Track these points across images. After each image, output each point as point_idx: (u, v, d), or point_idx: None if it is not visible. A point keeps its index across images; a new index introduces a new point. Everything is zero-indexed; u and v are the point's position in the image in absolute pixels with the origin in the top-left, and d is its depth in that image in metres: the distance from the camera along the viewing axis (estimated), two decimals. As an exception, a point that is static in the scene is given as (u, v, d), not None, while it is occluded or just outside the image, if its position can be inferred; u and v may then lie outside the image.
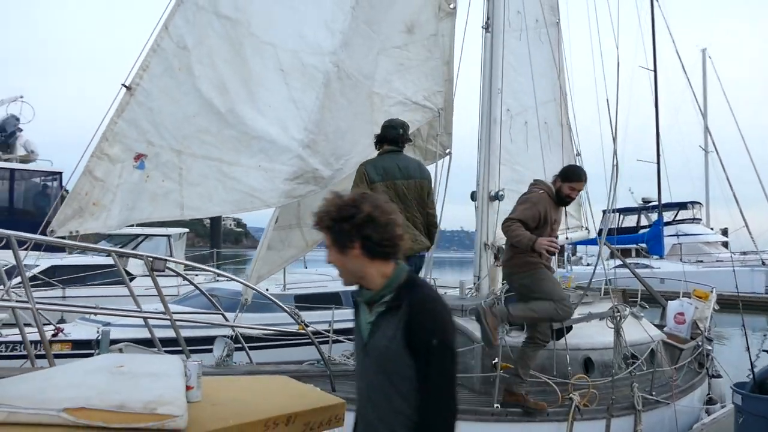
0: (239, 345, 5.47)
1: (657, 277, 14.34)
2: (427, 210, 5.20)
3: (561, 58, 8.70)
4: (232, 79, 4.80)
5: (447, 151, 7.07)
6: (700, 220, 30.32)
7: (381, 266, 2.20)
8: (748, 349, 6.60)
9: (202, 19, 4.63)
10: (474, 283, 6.74)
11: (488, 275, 6.53)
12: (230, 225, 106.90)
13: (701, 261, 26.08)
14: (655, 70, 24.33)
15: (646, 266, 22.25)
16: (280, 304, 4.77)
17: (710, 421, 6.32)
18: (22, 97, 17.08)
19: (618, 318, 5.44)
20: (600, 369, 5.64)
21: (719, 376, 7.73)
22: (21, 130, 16.82)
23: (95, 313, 6.42)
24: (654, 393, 5.72)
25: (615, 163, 5.82)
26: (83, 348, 6.39)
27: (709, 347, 7.76)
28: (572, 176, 5.16)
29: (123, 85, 4.33)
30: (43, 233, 4.14)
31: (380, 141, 5.21)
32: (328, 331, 5.99)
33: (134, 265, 10.10)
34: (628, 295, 8.46)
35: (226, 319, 5.74)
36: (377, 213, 2.15)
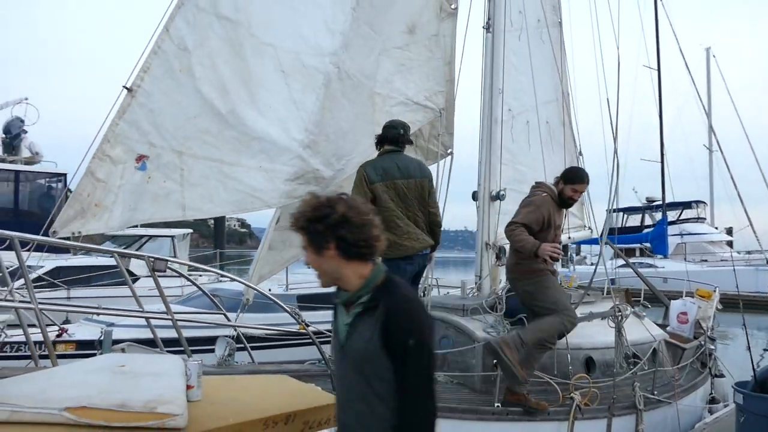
0: (241, 345, 5.50)
1: (660, 277, 14.30)
2: (428, 209, 5.21)
3: (563, 58, 8.71)
4: (233, 80, 4.82)
5: (449, 151, 7.08)
6: (705, 219, 30.25)
7: (358, 267, 2.18)
8: (749, 348, 6.60)
9: (202, 21, 4.65)
10: (475, 283, 6.75)
11: (490, 275, 6.55)
12: (234, 225, 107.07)
13: (705, 260, 26.03)
14: (658, 69, 24.22)
15: (650, 265, 22.16)
16: (281, 303, 4.80)
17: (712, 421, 6.32)
18: (26, 99, 17.21)
19: (619, 317, 5.44)
20: (601, 368, 5.64)
21: (722, 376, 7.72)
22: (26, 132, 16.94)
23: (98, 313, 6.45)
24: (656, 392, 5.73)
25: (616, 162, 5.82)
26: (87, 348, 6.41)
27: (712, 347, 7.75)
28: (574, 178, 5.14)
29: (124, 86, 4.36)
30: (46, 234, 4.17)
31: (381, 141, 5.22)
32: (329, 331, 5.99)
33: (138, 266, 10.14)
34: (631, 295, 8.46)
35: (228, 319, 5.77)
36: (352, 213, 2.14)
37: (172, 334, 4.80)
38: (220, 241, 31.43)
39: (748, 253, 27.16)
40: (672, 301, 8.55)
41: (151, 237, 14.66)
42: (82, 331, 7.45)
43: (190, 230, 17.13)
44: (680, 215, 29.57)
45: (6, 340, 5.60)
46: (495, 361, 4.89)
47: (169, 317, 4.43)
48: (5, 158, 16.48)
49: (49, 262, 11.96)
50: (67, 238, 4.40)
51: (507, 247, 6.60)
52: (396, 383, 2.07)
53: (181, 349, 4.49)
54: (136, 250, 13.14)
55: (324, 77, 5.17)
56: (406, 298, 2.17)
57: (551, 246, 4.73)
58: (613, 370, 5.41)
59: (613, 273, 10.27)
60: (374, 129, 5.62)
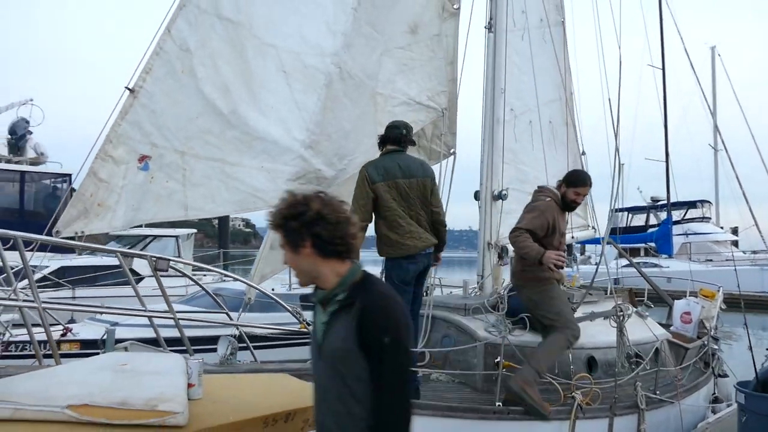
0: (244, 344, 5.52)
1: (664, 276, 14.28)
2: (431, 208, 5.21)
3: (566, 57, 8.70)
4: (235, 81, 4.85)
5: (451, 151, 7.08)
6: (710, 218, 30.15)
7: (335, 265, 2.17)
8: (750, 347, 6.59)
9: (204, 22, 4.68)
10: (477, 282, 6.76)
11: (492, 274, 6.56)
12: (239, 225, 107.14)
13: (710, 260, 25.94)
14: (663, 69, 24.23)
15: (655, 265, 22.17)
16: (283, 303, 4.82)
17: (715, 420, 6.32)
18: (31, 100, 17.26)
19: (621, 317, 5.44)
20: (603, 368, 5.64)
21: (725, 376, 7.70)
22: (31, 133, 16.99)
23: (101, 312, 6.48)
24: (658, 392, 5.72)
25: (617, 161, 5.81)
26: (91, 347, 6.45)
27: (715, 346, 7.73)
28: (577, 181, 5.10)
29: (126, 87, 4.39)
30: (49, 234, 4.20)
31: (383, 141, 5.23)
32: None
33: (143, 266, 10.17)
34: (635, 295, 8.46)
35: (231, 318, 5.79)
36: (327, 211, 2.13)
37: (175, 333, 4.84)
38: (224, 240, 31.49)
39: (754, 252, 27.09)
40: (675, 300, 8.53)
41: (155, 237, 14.70)
42: (86, 330, 7.49)
43: (195, 230, 17.18)
44: (685, 215, 29.48)
45: (11, 339, 5.64)
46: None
47: (171, 316, 4.45)
48: (11, 159, 16.54)
49: (54, 262, 12.01)
50: (71, 238, 4.44)
51: (509, 247, 6.62)
52: (372, 382, 2.05)
53: (184, 348, 4.52)
54: (141, 249, 13.18)
55: (325, 77, 5.19)
56: (382, 295, 2.15)
57: (555, 254, 4.69)
58: (615, 369, 5.40)
59: (617, 273, 10.28)
60: (376, 129, 5.63)
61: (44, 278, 11.00)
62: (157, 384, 2.51)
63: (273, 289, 6.59)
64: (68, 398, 2.32)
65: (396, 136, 5.15)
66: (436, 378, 5.52)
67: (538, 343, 5.15)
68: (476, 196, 6.80)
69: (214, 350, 4.83)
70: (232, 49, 4.89)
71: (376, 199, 4.95)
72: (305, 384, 3.04)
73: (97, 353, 4.27)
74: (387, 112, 6.01)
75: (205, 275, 11.93)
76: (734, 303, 10.33)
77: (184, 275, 6.11)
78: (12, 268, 4.09)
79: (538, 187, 5.37)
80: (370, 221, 5.02)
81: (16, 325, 5.99)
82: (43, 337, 4.10)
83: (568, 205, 5.11)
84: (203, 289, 5.68)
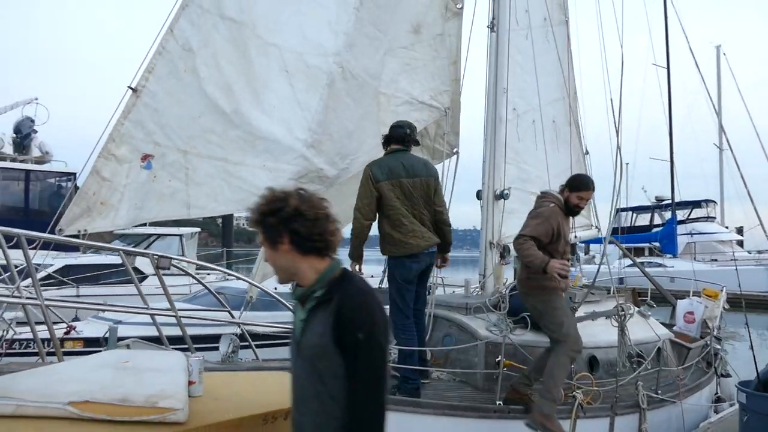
0: (246, 342, 5.55)
1: (667, 276, 14.23)
2: (435, 207, 5.22)
3: (569, 57, 8.69)
4: (237, 80, 4.88)
5: (454, 150, 7.10)
6: (715, 218, 30.03)
7: (314, 262, 2.15)
8: (752, 347, 6.58)
9: (206, 22, 4.71)
10: (479, 282, 6.76)
11: (493, 273, 6.56)
12: (243, 224, 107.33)
13: (715, 260, 25.87)
14: (668, 68, 24.10)
15: (659, 265, 22.09)
16: (284, 301, 4.84)
17: (717, 420, 6.31)
18: (36, 99, 17.35)
19: (622, 316, 5.44)
20: (605, 367, 5.64)
21: (728, 376, 7.69)
22: (36, 132, 17.07)
23: (103, 310, 6.50)
24: (660, 392, 5.72)
25: (619, 160, 5.80)
26: (94, 345, 6.49)
27: (718, 346, 7.72)
28: (580, 185, 5.03)
29: (129, 87, 4.42)
30: (53, 232, 4.23)
31: (387, 141, 5.24)
32: None
33: (147, 265, 10.20)
34: (638, 294, 8.45)
35: (233, 317, 5.81)
36: (305, 207, 2.11)
37: (178, 331, 4.86)
38: (228, 239, 31.54)
39: (759, 252, 27.00)
40: (679, 300, 8.51)
41: (159, 236, 14.74)
42: (90, 328, 7.52)
43: (199, 229, 17.22)
44: (690, 214, 29.37)
45: (14, 337, 5.67)
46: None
47: (173, 314, 4.48)
48: (16, 158, 16.62)
49: (59, 260, 12.06)
50: (75, 236, 4.47)
51: (511, 246, 6.63)
52: (347, 379, 2.03)
53: (186, 346, 4.54)
54: (145, 248, 13.22)
55: (327, 77, 5.21)
56: (360, 291, 2.12)
57: (560, 263, 4.63)
58: (616, 369, 5.41)
59: (621, 272, 10.27)
60: (379, 128, 5.65)
61: (48, 276, 11.04)
62: (158, 381, 2.53)
63: (275, 288, 6.60)
64: (70, 395, 2.34)
65: (400, 136, 5.16)
66: (437, 377, 5.54)
67: (538, 341, 5.15)
68: (478, 195, 6.81)
69: (217, 348, 4.86)
70: (234, 49, 4.92)
71: (380, 198, 4.96)
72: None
73: (100, 351, 4.31)
74: (390, 111, 6.02)
75: (209, 274, 11.96)
76: (738, 303, 10.29)
77: (188, 274, 6.13)
78: (16, 267, 4.12)
79: (541, 192, 5.28)
80: (374, 220, 5.03)
81: (20, 323, 6.02)
82: (46, 335, 4.14)
83: (571, 210, 5.03)
84: (205, 287, 5.71)
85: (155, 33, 4.52)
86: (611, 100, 6.16)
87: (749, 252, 28.38)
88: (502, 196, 6.61)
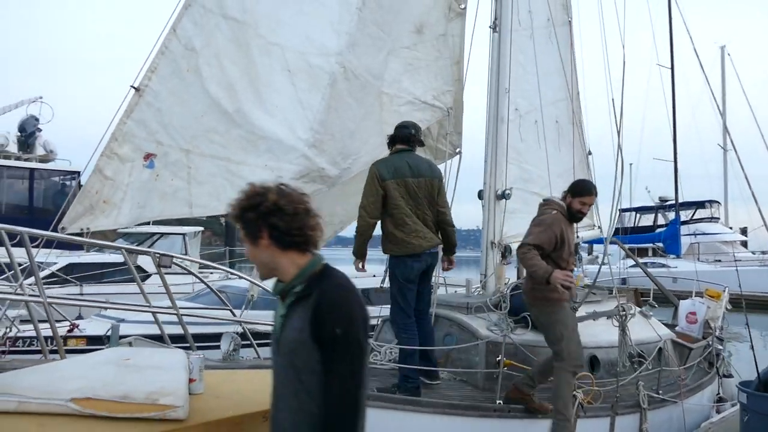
0: (247, 341, 5.57)
1: (670, 277, 14.22)
2: (438, 208, 5.24)
3: (573, 57, 8.69)
4: (240, 80, 4.90)
5: (457, 150, 7.11)
6: (719, 219, 29.97)
7: (295, 257, 2.12)
8: (752, 347, 6.58)
9: (209, 22, 4.73)
10: (480, 281, 6.78)
11: (495, 273, 6.57)
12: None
13: (719, 260, 25.82)
14: (672, 68, 24.11)
15: (663, 265, 22.06)
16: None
17: (718, 420, 6.31)
18: (41, 97, 17.41)
19: (623, 316, 5.45)
20: (606, 367, 5.65)
21: (730, 376, 7.69)
22: (40, 131, 17.14)
23: (105, 308, 6.53)
24: (661, 392, 5.73)
25: (620, 160, 5.80)
26: (97, 343, 6.51)
27: (720, 347, 7.71)
28: (582, 191, 4.98)
29: (132, 86, 4.45)
30: (55, 230, 4.26)
31: (392, 141, 5.27)
32: None
33: (150, 263, 10.23)
34: (641, 295, 8.45)
35: (234, 315, 5.84)
36: (283, 202, 2.09)
37: (180, 330, 4.89)
38: (231, 238, 31.57)
39: (763, 253, 26.95)
40: (681, 301, 8.51)
41: (162, 234, 14.77)
42: (93, 326, 7.55)
43: (202, 228, 17.26)
44: (693, 215, 29.31)
45: (18, 334, 5.71)
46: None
47: (175, 312, 4.50)
48: (20, 156, 16.70)
49: (63, 258, 12.11)
50: (78, 235, 4.50)
51: (513, 246, 6.64)
52: (324, 375, 2.00)
53: (188, 344, 4.57)
54: (148, 247, 13.26)
55: (329, 77, 5.23)
56: (339, 287, 2.09)
57: (563, 274, 4.58)
58: (617, 369, 5.42)
59: (624, 273, 10.25)
60: (382, 128, 5.66)
61: (52, 274, 11.08)
62: (159, 378, 2.55)
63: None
64: (71, 392, 2.36)
65: (405, 136, 5.18)
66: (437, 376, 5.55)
67: (538, 341, 5.15)
68: (480, 195, 6.82)
69: (219, 347, 4.89)
70: (237, 49, 4.94)
71: (384, 196, 4.98)
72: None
73: (102, 349, 4.34)
74: (392, 111, 6.04)
75: (212, 273, 12.00)
76: (740, 303, 10.28)
77: (190, 273, 6.16)
78: (20, 265, 4.15)
79: (544, 200, 5.23)
80: (379, 218, 5.04)
81: (23, 321, 6.06)
82: (49, 333, 4.16)
83: (573, 216, 4.97)
84: (207, 286, 5.74)
85: (158, 33, 4.56)
86: (612, 100, 6.16)
87: (753, 253, 28.33)
88: (503, 196, 6.62)
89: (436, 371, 5.27)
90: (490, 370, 5.22)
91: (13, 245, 4.09)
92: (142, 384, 2.47)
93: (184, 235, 15.14)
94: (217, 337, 5.34)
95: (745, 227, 29.95)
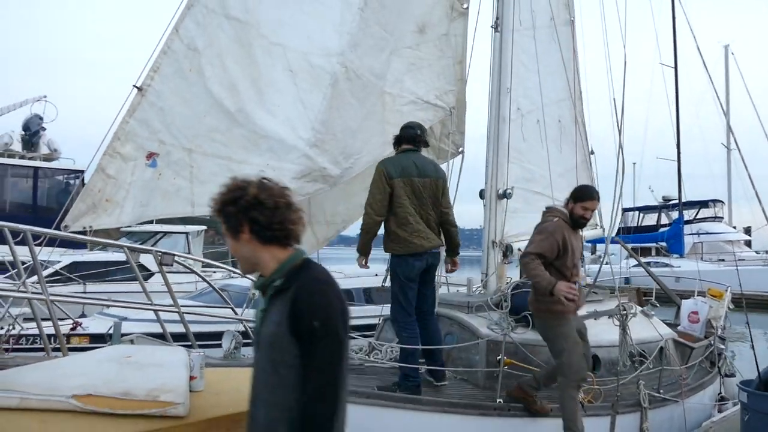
0: (249, 339, 5.58)
1: (672, 276, 14.20)
2: (441, 209, 5.26)
3: (576, 56, 8.68)
4: (242, 80, 4.92)
5: (460, 149, 7.13)
6: (722, 218, 29.90)
7: (276, 252, 2.11)
8: (752, 346, 6.58)
9: (212, 22, 4.75)
10: (481, 280, 6.79)
11: (496, 272, 6.59)
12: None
13: (722, 260, 25.77)
14: (675, 67, 24.02)
15: (666, 265, 22.04)
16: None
17: (720, 419, 6.31)
18: (45, 96, 17.46)
19: (624, 316, 5.45)
20: (607, 366, 5.66)
21: (733, 375, 7.69)
22: (44, 129, 17.18)
23: (107, 306, 6.55)
24: (662, 391, 5.74)
25: (621, 159, 5.81)
26: (100, 341, 6.54)
27: (722, 346, 7.71)
28: (583, 196, 4.91)
29: (134, 86, 4.48)
30: (58, 229, 4.28)
31: (398, 141, 5.30)
32: None
33: (152, 262, 10.25)
34: (643, 294, 8.45)
35: (236, 314, 5.86)
36: (264, 195, 2.07)
37: (182, 328, 4.91)
38: (234, 238, 31.60)
39: (767, 252, 26.89)
40: (683, 300, 8.51)
41: (165, 233, 14.81)
42: (96, 324, 7.59)
43: (205, 227, 17.28)
44: (697, 214, 29.24)
45: (21, 332, 5.74)
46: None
47: (176, 310, 4.53)
48: (24, 155, 16.75)
49: (66, 257, 12.14)
50: (81, 233, 4.53)
51: (514, 245, 6.66)
52: (302, 368, 1.97)
53: (190, 342, 4.60)
54: (152, 245, 13.29)
55: (331, 77, 5.25)
56: (317, 280, 2.06)
57: (567, 286, 4.52)
58: (617, 368, 5.43)
59: (627, 272, 10.24)
60: (384, 128, 5.68)
61: (56, 273, 11.12)
62: (160, 376, 2.58)
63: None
64: (73, 388, 2.39)
65: (411, 136, 5.22)
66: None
67: (539, 340, 5.15)
68: (481, 194, 6.83)
69: (220, 345, 4.91)
70: (239, 49, 4.96)
71: (390, 194, 5.00)
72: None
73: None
74: (395, 111, 6.05)
75: (215, 272, 12.02)
76: (748, 303, 10.27)
77: (193, 271, 6.19)
78: (23, 263, 4.18)
79: (546, 207, 5.19)
80: (385, 216, 5.06)
81: (26, 319, 6.10)
82: (52, 331, 4.19)
83: (576, 222, 4.89)
84: (209, 284, 5.77)
85: (160, 33, 4.58)
86: (614, 99, 6.17)
87: (757, 252, 28.27)
88: (504, 195, 6.63)
89: (443, 372, 5.27)
90: (490, 368, 5.23)
91: (17, 243, 4.12)
92: (143, 381, 2.49)
93: (187, 234, 15.16)
94: (219, 335, 5.37)
95: (749, 227, 29.88)
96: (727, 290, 8.54)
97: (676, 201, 25.83)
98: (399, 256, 5.08)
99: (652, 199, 29.77)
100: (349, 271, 10.15)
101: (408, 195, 5.01)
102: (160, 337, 4.89)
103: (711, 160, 43.01)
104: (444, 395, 5.06)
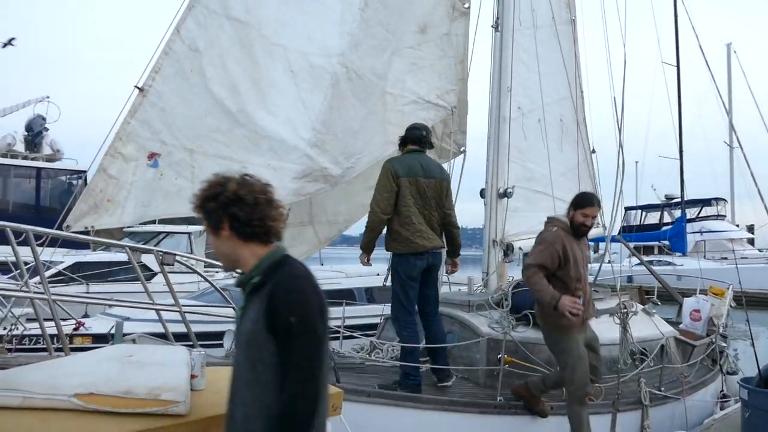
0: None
1: (674, 274, 14.20)
2: (444, 210, 5.28)
3: (577, 55, 8.68)
4: (243, 80, 4.94)
5: (461, 149, 7.14)
6: (725, 216, 29.87)
7: (256, 249, 2.10)
8: (752, 344, 6.58)
9: (213, 22, 4.77)
10: (482, 279, 6.80)
11: (496, 271, 6.60)
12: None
13: (725, 258, 25.72)
14: (678, 65, 23.96)
15: (669, 263, 22.03)
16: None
17: (721, 417, 6.31)
18: (48, 97, 17.51)
19: (625, 314, 5.46)
20: (608, 365, 5.66)
21: (735, 373, 7.69)
22: (47, 130, 17.22)
23: (109, 305, 6.57)
24: (663, 389, 5.75)
25: (621, 158, 5.81)
26: (102, 341, 6.57)
27: (724, 344, 7.72)
28: (583, 203, 4.81)
29: (136, 86, 4.50)
30: (60, 229, 4.30)
31: (404, 142, 5.33)
32: (336, 326, 6.10)
33: (154, 262, 10.26)
34: (645, 292, 8.45)
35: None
36: (243, 192, 2.06)
37: (184, 328, 4.93)
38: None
39: (771, 250, 26.86)
40: (685, 298, 8.51)
41: (168, 233, 14.83)
42: (99, 324, 7.62)
43: (207, 227, 17.24)
44: (699, 213, 29.22)
45: (24, 332, 5.77)
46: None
47: (177, 309, 4.55)
48: (27, 155, 16.78)
49: (69, 257, 12.17)
50: (82, 233, 4.55)
51: (515, 244, 6.67)
52: (280, 366, 1.95)
53: (192, 341, 4.61)
54: (154, 246, 13.31)
55: (331, 77, 5.27)
56: (293, 276, 2.05)
57: (571, 301, 4.44)
58: (618, 366, 5.44)
59: (630, 270, 10.24)
60: (385, 128, 5.70)
61: (59, 273, 11.15)
62: (161, 375, 2.59)
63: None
64: (75, 387, 2.40)
65: (416, 137, 5.25)
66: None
67: (539, 338, 5.15)
68: (482, 193, 6.85)
69: (221, 344, 4.93)
70: (240, 49, 4.98)
71: (396, 194, 5.02)
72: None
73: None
74: (396, 111, 6.07)
75: (217, 272, 12.04)
76: (749, 301, 10.28)
77: (195, 271, 6.21)
78: (26, 263, 4.19)
79: (548, 218, 5.09)
80: (391, 214, 5.06)
81: (29, 320, 6.13)
82: (55, 331, 4.21)
83: (577, 230, 4.78)
84: (211, 284, 5.78)
85: (161, 34, 4.60)
86: (614, 98, 6.17)
87: (760, 250, 28.22)
88: (505, 194, 6.64)
89: (447, 372, 5.28)
90: (491, 367, 5.25)
91: (19, 243, 4.14)
92: (144, 380, 2.50)
93: (189, 234, 15.17)
94: (220, 335, 5.38)
95: (752, 225, 29.83)
96: (728, 288, 8.54)
97: (679, 199, 25.79)
98: (400, 255, 5.10)
99: (655, 198, 29.79)
100: (351, 271, 10.18)
101: (413, 195, 5.03)
102: (162, 336, 4.91)
103: (713, 158, 42.95)
104: (444, 393, 5.08)
